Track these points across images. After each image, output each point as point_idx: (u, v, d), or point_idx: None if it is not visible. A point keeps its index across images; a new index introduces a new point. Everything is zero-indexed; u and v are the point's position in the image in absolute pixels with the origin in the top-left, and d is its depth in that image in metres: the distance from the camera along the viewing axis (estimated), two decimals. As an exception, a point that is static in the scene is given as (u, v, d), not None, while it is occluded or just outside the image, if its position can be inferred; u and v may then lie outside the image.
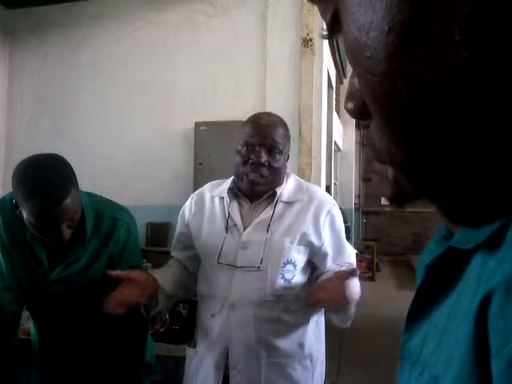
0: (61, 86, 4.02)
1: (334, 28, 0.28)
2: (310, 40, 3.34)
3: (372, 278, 7.96)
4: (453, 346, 0.34)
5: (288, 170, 1.52)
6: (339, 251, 1.45)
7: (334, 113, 6.34)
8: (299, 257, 1.41)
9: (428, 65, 0.22)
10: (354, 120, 6.68)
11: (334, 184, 6.98)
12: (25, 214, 1.23)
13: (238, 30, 3.59)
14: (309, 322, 1.45)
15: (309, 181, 2.23)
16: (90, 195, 1.44)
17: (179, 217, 1.59)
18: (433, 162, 0.25)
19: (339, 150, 8.06)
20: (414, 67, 0.23)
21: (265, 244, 1.39)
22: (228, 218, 1.44)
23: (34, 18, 4.11)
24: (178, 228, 1.58)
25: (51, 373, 1.53)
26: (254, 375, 1.39)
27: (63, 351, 1.49)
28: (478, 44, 0.21)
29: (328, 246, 1.43)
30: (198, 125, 3.56)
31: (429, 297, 0.42)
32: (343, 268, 1.38)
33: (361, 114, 0.29)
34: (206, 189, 1.56)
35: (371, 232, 11.48)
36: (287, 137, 1.45)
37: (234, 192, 1.47)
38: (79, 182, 1.31)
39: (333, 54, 5.41)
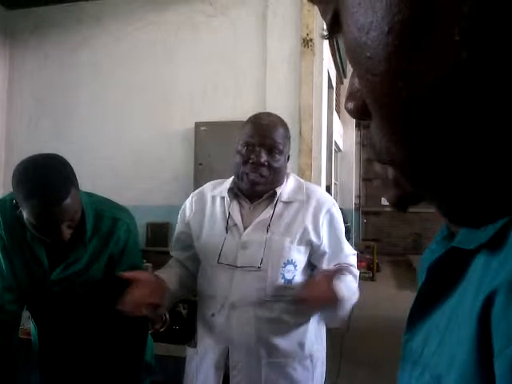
0: (61, 86, 4.02)
1: (334, 28, 0.28)
2: (310, 40, 3.34)
3: (372, 278, 7.96)
4: (455, 346, 0.34)
5: (288, 170, 1.52)
6: (337, 251, 1.45)
7: (335, 113, 6.34)
8: (300, 257, 1.41)
9: (428, 65, 0.22)
10: (355, 120, 6.69)
11: (335, 184, 6.98)
12: (25, 214, 1.23)
13: (238, 30, 3.59)
14: (309, 321, 1.45)
15: (309, 181, 2.22)
16: (90, 195, 1.44)
17: (179, 216, 1.59)
18: (433, 161, 0.25)
19: (339, 150, 8.06)
20: (414, 67, 0.23)
21: (265, 244, 1.39)
22: (228, 218, 1.44)
23: (34, 19, 4.11)
24: (178, 227, 1.58)
25: (51, 373, 1.53)
26: (255, 375, 1.39)
27: (63, 351, 1.49)
28: (477, 44, 0.21)
29: (326, 246, 1.43)
30: (198, 125, 3.56)
31: (430, 297, 0.42)
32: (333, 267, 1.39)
33: (361, 114, 0.29)
34: (207, 188, 1.56)
35: (371, 232, 11.48)
36: (287, 137, 1.45)
37: (235, 192, 1.47)
38: (79, 182, 1.31)
39: (333, 54, 5.41)
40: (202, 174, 3.40)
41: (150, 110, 3.79)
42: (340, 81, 7.25)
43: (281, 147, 1.40)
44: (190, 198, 1.58)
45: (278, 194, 1.44)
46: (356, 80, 0.28)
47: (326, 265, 1.43)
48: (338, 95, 7.08)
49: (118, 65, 3.88)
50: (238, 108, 3.48)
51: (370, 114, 0.28)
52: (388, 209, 10.27)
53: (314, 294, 1.30)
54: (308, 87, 3.38)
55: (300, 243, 1.41)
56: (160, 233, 3.69)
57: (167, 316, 2.38)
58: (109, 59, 3.90)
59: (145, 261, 2.05)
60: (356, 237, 9.49)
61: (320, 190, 1.53)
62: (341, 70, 6.66)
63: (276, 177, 1.42)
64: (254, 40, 3.53)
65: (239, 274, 1.40)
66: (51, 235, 1.28)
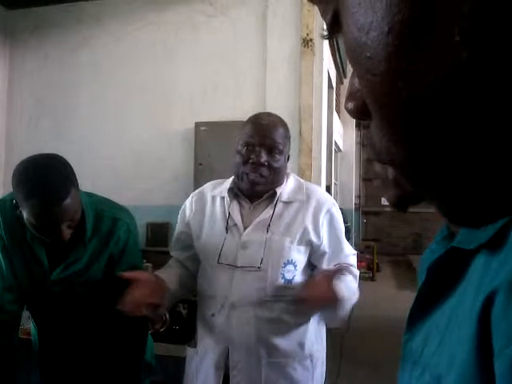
0: (61, 86, 4.02)
1: (335, 28, 0.28)
2: (310, 40, 3.34)
3: (372, 278, 7.96)
4: (455, 346, 0.34)
5: (288, 170, 1.52)
6: (337, 251, 1.45)
7: (335, 113, 6.34)
8: (300, 257, 1.41)
9: (428, 65, 0.22)
10: (355, 120, 6.69)
11: (335, 184, 6.98)
12: (25, 214, 1.23)
13: (238, 30, 3.59)
14: (309, 321, 1.45)
15: (309, 181, 2.22)
16: (90, 195, 1.44)
17: (179, 216, 1.59)
18: (433, 161, 0.25)
19: (339, 150, 8.06)
20: (414, 67, 0.23)
21: (265, 244, 1.39)
22: (228, 218, 1.44)
23: (34, 19, 4.11)
24: (178, 227, 1.58)
25: (51, 373, 1.53)
26: (255, 375, 1.39)
27: (63, 351, 1.49)
28: (477, 44, 0.21)
29: (326, 246, 1.43)
30: (198, 125, 3.56)
31: (430, 297, 0.42)
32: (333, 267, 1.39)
33: (361, 114, 0.29)
34: (207, 188, 1.56)
35: (371, 232, 11.48)
36: (287, 137, 1.45)
37: (235, 192, 1.47)
38: (79, 182, 1.31)
39: (333, 54, 5.41)
40: (202, 174, 3.40)
41: (150, 110, 3.79)
42: (340, 81, 7.25)
43: (281, 147, 1.40)
44: (189, 197, 1.58)
45: (277, 193, 1.44)
46: (356, 80, 0.28)
47: (325, 265, 1.43)
48: (338, 95, 7.08)
49: (117, 65, 3.88)
50: (238, 108, 3.48)
51: (370, 114, 0.28)
52: (388, 209, 10.27)
53: (313, 294, 1.30)
54: (308, 87, 3.38)
55: (300, 243, 1.41)
56: (160, 233, 3.69)
57: (167, 316, 2.38)
58: (109, 59, 3.90)
59: (145, 261, 2.05)
60: (356, 237, 9.49)
61: (320, 190, 1.53)
62: (341, 69, 6.66)
63: (276, 177, 1.42)
64: (254, 40, 3.53)
65: (239, 273, 1.40)
66: (51, 235, 1.28)
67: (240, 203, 1.47)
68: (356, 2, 0.24)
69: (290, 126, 1.50)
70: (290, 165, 1.53)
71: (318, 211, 1.43)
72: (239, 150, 1.41)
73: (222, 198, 1.49)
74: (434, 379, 0.37)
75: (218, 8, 3.64)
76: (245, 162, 1.39)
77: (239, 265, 1.40)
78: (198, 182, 3.21)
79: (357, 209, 10.40)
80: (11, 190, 1.26)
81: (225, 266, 1.41)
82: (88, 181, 1.92)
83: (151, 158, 3.75)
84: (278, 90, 3.43)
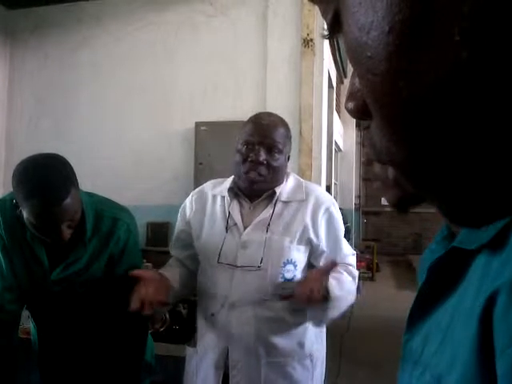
0: (61, 86, 4.02)
1: (335, 28, 0.28)
2: (311, 40, 3.34)
3: (372, 278, 7.96)
4: (456, 345, 0.34)
5: (288, 170, 1.52)
6: (336, 250, 1.45)
7: (335, 113, 6.34)
8: (300, 256, 1.41)
9: (428, 65, 0.22)
10: (355, 120, 6.69)
11: (335, 184, 6.98)
12: (25, 214, 1.23)
13: (238, 29, 3.59)
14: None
15: (309, 181, 2.23)
16: (90, 195, 1.44)
17: (179, 214, 1.59)
18: (433, 161, 0.25)
19: (340, 150, 8.06)
20: (414, 67, 0.23)
21: (264, 244, 1.39)
22: (228, 218, 1.44)
23: (35, 19, 4.11)
24: (178, 225, 1.58)
25: (51, 373, 1.53)
26: (254, 375, 1.39)
27: (63, 351, 1.49)
28: (478, 44, 0.21)
29: (324, 245, 1.43)
30: (198, 125, 3.57)
31: (431, 297, 0.42)
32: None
33: (361, 114, 0.29)
34: (207, 187, 1.56)
35: (371, 232, 11.48)
36: (288, 137, 1.45)
37: (235, 191, 1.47)
38: (79, 181, 1.31)
39: (333, 53, 5.41)
40: (202, 174, 3.40)
41: (150, 110, 3.79)
42: (340, 80, 7.25)
43: (280, 146, 1.40)
44: (190, 196, 1.58)
45: (277, 193, 1.44)
46: (356, 80, 0.28)
47: (324, 264, 1.43)
48: (338, 95, 7.07)
49: (118, 65, 3.88)
50: (238, 108, 3.48)
51: (370, 114, 0.28)
52: (388, 209, 10.26)
53: (302, 291, 1.28)
54: (308, 87, 3.38)
55: (300, 242, 1.41)
56: (160, 232, 3.69)
57: (167, 316, 2.38)
58: (109, 59, 3.90)
59: (145, 260, 2.05)
60: (356, 237, 9.48)
61: (319, 190, 1.53)
62: (341, 69, 6.65)
63: (275, 176, 1.42)
64: (255, 40, 3.53)
65: (239, 273, 1.40)
66: (51, 235, 1.28)
67: (240, 203, 1.47)
68: (356, 1, 0.24)
69: (290, 125, 1.50)
70: (290, 165, 1.53)
71: (317, 210, 1.43)
72: (239, 149, 1.41)
73: (223, 197, 1.49)
74: (435, 379, 0.37)
75: (218, 8, 3.64)
76: (244, 161, 1.39)
77: (239, 264, 1.40)
78: (198, 182, 3.21)
79: (357, 209, 10.40)
80: (11, 189, 1.26)
81: (225, 266, 1.41)
82: (88, 180, 1.92)
83: (151, 157, 3.75)
84: (278, 90, 3.43)
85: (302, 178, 1.59)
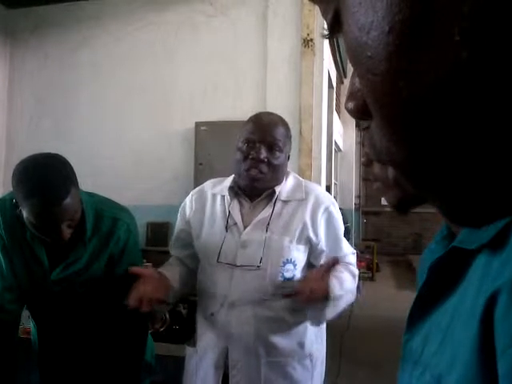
0: (61, 86, 4.02)
1: (335, 28, 0.28)
2: (311, 40, 3.34)
3: (372, 278, 7.96)
4: (457, 345, 0.34)
5: (288, 169, 1.52)
6: (336, 250, 1.45)
7: (335, 113, 6.34)
8: (299, 255, 1.41)
9: (428, 65, 0.22)
10: (355, 120, 6.68)
11: (335, 184, 6.98)
12: (25, 214, 1.23)
13: (238, 29, 3.59)
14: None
15: (309, 181, 2.23)
16: (90, 195, 1.44)
17: (179, 214, 1.59)
18: (433, 161, 0.25)
19: (339, 150, 8.06)
20: (414, 67, 0.23)
21: (264, 243, 1.39)
22: (228, 217, 1.44)
23: (35, 18, 4.11)
24: (178, 225, 1.58)
25: (51, 373, 1.53)
26: (254, 374, 1.40)
27: (63, 351, 1.49)
28: (478, 44, 0.21)
29: (324, 244, 1.43)
30: (198, 125, 3.56)
31: (431, 297, 0.42)
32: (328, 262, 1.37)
33: (361, 114, 0.29)
34: (207, 186, 1.56)
35: (371, 232, 11.48)
36: (288, 136, 1.45)
37: (235, 191, 1.47)
38: (79, 181, 1.31)
39: (333, 53, 5.41)
40: (202, 174, 3.40)
41: (150, 110, 3.79)
42: (340, 80, 7.25)
43: (281, 145, 1.40)
44: (189, 196, 1.58)
45: (276, 192, 1.44)
46: (357, 80, 0.28)
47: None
48: (338, 95, 7.07)
49: (118, 65, 3.87)
50: (238, 108, 3.48)
51: (370, 114, 0.28)
52: (388, 209, 10.25)
53: (305, 289, 1.28)
54: (308, 87, 3.38)
55: (299, 242, 1.41)
56: (160, 232, 3.69)
57: (167, 316, 2.38)
58: (109, 59, 3.90)
59: (145, 260, 2.05)
60: (356, 237, 9.48)
61: (319, 189, 1.53)
62: (341, 69, 6.65)
63: (275, 174, 1.42)
64: (255, 40, 3.53)
65: (239, 273, 1.40)
66: (51, 235, 1.28)
67: (240, 202, 1.47)
68: (357, 1, 0.24)
69: (290, 125, 1.50)
70: (290, 165, 1.53)
71: (316, 209, 1.43)
72: (240, 147, 1.41)
73: (223, 196, 1.49)
74: (435, 379, 0.37)
75: (218, 8, 3.64)
76: (245, 158, 1.39)
77: (239, 264, 1.40)
78: (198, 182, 3.20)
79: (357, 209, 10.39)
80: (11, 189, 1.26)
81: (224, 265, 1.41)
82: (88, 180, 1.92)
83: (151, 157, 3.75)
84: (278, 90, 3.43)
85: (302, 177, 1.59)
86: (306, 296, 1.27)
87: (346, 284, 1.37)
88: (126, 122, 3.83)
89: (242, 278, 1.39)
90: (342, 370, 3.30)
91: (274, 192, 1.44)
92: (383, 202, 10.18)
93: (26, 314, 1.61)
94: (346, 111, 0.31)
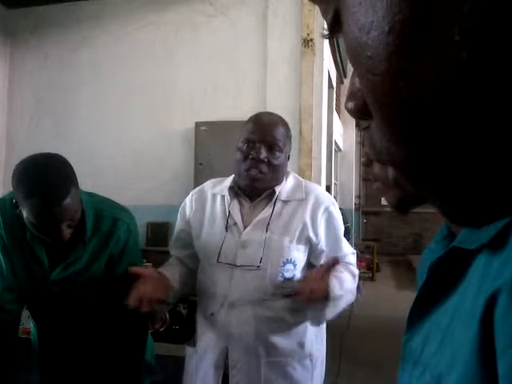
0: (61, 86, 4.02)
1: (335, 28, 0.28)
2: (311, 40, 3.34)
3: (372, 278, 7.96)
4: (457, 345, 0.34)
5: (288, 169, 1.52)
6: (336, 250, 1.45)
7: (335, 113, 6.34)
8: (299, 256, 1.41)
9: (428, 65, 0.22)
10: (355, 120, 6.68)
11: (335, 184, 6.98)
12: (25, 214, 1.23)
13: (238, 29, 3.59)
14: (309, 321, 1.45)
15: (309, 181, 2.23)
16: (90, 195, 1.44)
17: (179, 214, 1.59)
18: (433, 161, 0.25)
19: (339, 149, 8.06)
20: (414, 67, 0.23)
21: (264, 243, 1.39)
22: (228, 217, 1.44)
23: (35, 18, 4.11)
24: (178, 225, 1.58)
25: (51, 373, 1.53)
26: (254, 374, 1.39)
27: (63, 351, 1.49)
28: (478, 44, 0.21)
29: (324, 244, 1.43)
30: (198, 125, 3.56)
31: (431, 297, 0.42)
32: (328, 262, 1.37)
33: (361, 114, 0.29)
34: (207, 186, 1.56)
35: (371, 232, 11.48)
36: (288, 136, 1.45)
37: (235, 190, 1.47)
38: (79, 181, 1.31)
39: (333, 53, 5.41)
40: (202, 174, 3.40)
41: (150, 110, 3.79)
42: (340, 80, 7.25)
43: (281, 144, 1.40)
44: (189, 196, 1.58)
45: (276, 192, 1.44)
46: (357, 80, 0.28)
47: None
48: (338, 95, 7.08)
49: (118, 65, 3.87)
50: (238, 108, 3.48)
51: (370, 114, 0.28)
52: (388, 209, 10.25)
53: (305, 289, 1.28)
54: (308, 87, 3.37)
55: (299, 242, 1.41)
56: (160, 232, 3.69)
57: (167, 316, 2.38)
58: (109, 59, 3.90)
59: (145, 260, 2.05)
60: (356, 237, 9.48)
61: (319, 189, 1.53)
62: (341, 69, 6.66)
63: (275, 174, 1.42)
64: (255, 40, 3.53)
65: (239, 273, 1.40)
66: (51, 235, 1.28)
67: (240, 202, 1.47)
68: (357, 1, 0.24)
69: (290, 125, 1.50)
70: (290, 165, 1.53)
71: (316, 209, 1.43)
72: (240, 147, 1.41)
73: (222, 196, 1.49)
74: (435, 379, 0.37)
75: (218, 8, 3.64)
76: (245, 158, 1.39)
77: (239, 264, 1.40)
78: (198, 182, 3.20)
79: (357, 209, 10.39)
80: (11, 189, 1.26)
81: (224, 265, 1.41)
82: (88, 180, 1.92)
83: (151, 157, 3.75)
84: (278, 90, 3.43)
85: (302, 177, 1.59)
86: (306, 296, 1.27)
87: (346, 284, 1.37)
88: (126, 121, 3.83)
89: (242, 277, 1.39)
90: (341, 370, 3.30)
91: (274, 192, 1.44)
92: (383, 201, 10.18)
93: (25, 313, 1.61)
94: (346, 111, 0.31)
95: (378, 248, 8.62)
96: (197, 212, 1.52)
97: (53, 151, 1.33)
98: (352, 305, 1.49)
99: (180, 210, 1.59)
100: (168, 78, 3.76)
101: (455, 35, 0.21)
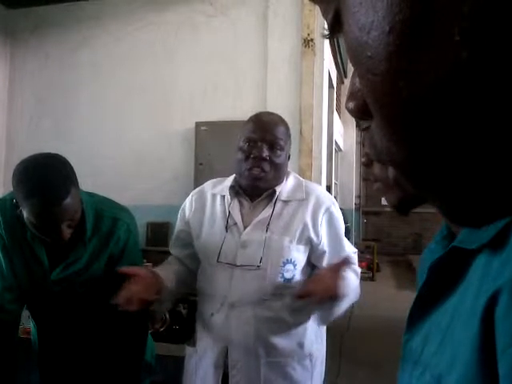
0: (61, 86, 4.02)
1: (336, 28, 0.28)
2: (311, 40, 3.34)
3: (372, 278, 7.96)
4: (457, 345, 0.34)
5: (288, 169, 1.52)
6: (338, 250, 1.45)
7: (335, 113, 6.34)
8: (299, 256, 1.41)
9: (428, 65, 0.22)
10: (355, 120, 6.67)
11: (335, 184, 6.98)
12: (25, 214, 1.23)
13: (238, 29, 3.59)
14: (309, 321, 1.45)
15: (309, 181, 2.23)
16: (90, 195, 1.44)
17: (179, 214, 1.59)
18: (433, 161, 0.25)
19: (340, 149, 8.07)
20: (414, 67, 0.23)
21: (264, 243, 1.39)
22: (228, 217, 1.44)
23: (35, 18, 4.11)
24: (178, 225, 1.58)
25: (51, 373, 1.53)
26: (254, 374, 1.39)
27: (63, 351, 1.49)
28: (478, 44, 0.21)
29: (325, 245, 1.43)
30: (198, 125, 3.57)
31: (431, 297, 0.42)
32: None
33: (362, 114, 0.29)
34: (207, 187, 1.56)
35: (371, 232, 11.48)
36: (288, 135, 1.46)
37: (236, 190, 1.47)
38: (79, 181, 1.31)
39: (334, 53, 5.41)
40: (202, 174, 3.40)
41: (150, 110, 3.79)
42: (341, 80, 7.25)
43: (282, 143, 1.40)
44: (190, 196, 1.58)
45: (277, 192, 1.44)
46: (357, 80, 0.28)
47: (326, 264, 1.43)
48: (338, 95, 7.08)
49: (118, 65, 3.88)
50: (238, 108, 3.48)
51: (370, 114, 0.28)
52: (388, 209, 10.25)
53: (317, 288, 1.26)
54: (309, 87, 3.37)
55: (299, 242, 1.41)
56: (160, 232, 3.69)
57: (167, 316, 2.39)
58: (109, 59, 3.90)
59: (145, 260, 2.05)
60: (356, 237, 9.48)
61: (319, 189, 1.53)
62: (341, 69, 6.66)
63: (277, 173, 1.42)
64: (255, 40, 3.53)
65: (238, 273, 1.40)
66: (51, 235, 1.28)
67: (240, 202, 1.47)
68: (357, 1, 0.24)
69: (290, 126, 1.50)
70: (290, 165, 1.53)
71: (317, 209, 1.43)
72: (241, 147, 1.41)
73: (223, 196, 1.49)
74: (435, 379, 0.37)
75: (218, 8, 3.64)
76: (246, 158, 1.39)
77: (238, 264, 1.40)
78: (198, 182, 3.21)
79: (357, 209, 10.40)
80: (11, 189, 1.26)
81: (224, 265, 1.41)
82: (88, 180, 1.92)
83: (151, 157, 3.75)
84: (278, 90, 3.43)
85: (303, 177, 1.59)
86: (319, 296, 1.26)
87: (351, 283, 1.37)
88: (126, 121, 3.84)
89: (242, 278, 1.39)
90: (341, 370, 3.30)
91: (275, 192, 1.44)
92: (383, 201, 10.17)
93: (25, 313, 1.61)
94: (346, 111, 0.31)
95: (378, 248, 8.62)
96: (197, 212, 1.52)
97: (53, 151, 1.33)
98: (352, 305, 1.49)
99: (180, 210, 1.59)
100: (168, 77, 3.76)
101: (455, 35, 0.21)
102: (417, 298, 0.44)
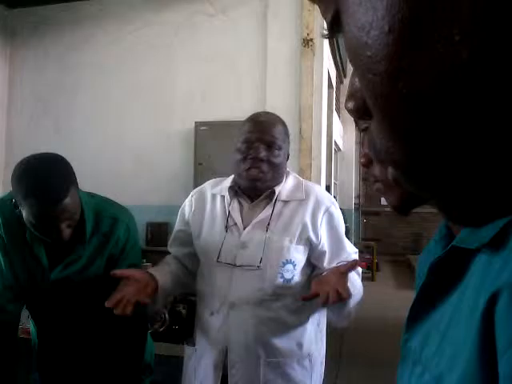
0: (61, 86, 4.02)
1: (335, 28, 0.28)
2: (311, 40, 3.34)
3: (372, 278, 7.96)
4: (457, 345, 0.34)
5: (288, 169, 1.52)
6: (338, 250, 1.45)
7: (335, 113, 6.34)
8: (299, 256, 1.41)
9: (428, 64, 0.22)
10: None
11: (334, 184, 6.98)
12: (24, 214, 1.23)
13: (238, 29, 3.59)
14: (308, 321, 1.45)
15: (309, 181, 2.22)
16: (90, 195, 1.44)
17: (179, 214, 1.59)
18: (432, 161, 0.25)
19: (339, 149, 8.06)
20: (414, 67, 0.23)
21: (264, 243, 1.39)
22: (228, 217, 1.44)
23: (35, 18, 4.11)
24: (177, 225, 1.58)
25: (51, 373, 1.52)
26: (253, 374, 1.39)
27: (63, 351, 1.48)
28: (477, 44, 0.21)
29: (325, 245, 1.43)
30: (197, 125, 3.56)
31: (430, 297, 0.42)
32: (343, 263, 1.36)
33: (361, 114, 0.29)
34: (207, 187, 1.56)
35: (371, 232, 11.47)
36: (286, 135, 1.45)
37: (235, 190, 1.47)
38: (79, 181, 1.31)
39: (333, 53, 5.41)
40: (201, 174, 3.40)
41: (150, 109, 3.79)
42: (340, 80, 7.25)
43: (279, 143, 1.40)
44: (189, 196, 1.58)
45: (276, 192, 1.43)
46: (356, 79, 0.28)
47: (327, 264, 1.42)
48: (338, 95, 7.08)
49: (117, 65, 3.87)
50: (238, 108, 3.47)
51: (370, 114, 0.28)
52: (388, 209, 10.25)
53: (327, 289, 1.23)
54: (308, 87, 3.37)
55: (299, 242, 1.41)
56: (160, 233, 3.69)
57: (167, 316, 2.38)
58: (109, 59, 3.89)
59: (144, 260, 2.05)
60: (356, 237, 9.48)
61: (319, 189, 1.53)
62: (341, 69, 6.66)
63: (275, 173, 1.42)
64: (254, 40, 3.53)
65: (238, 273, 1.40)
66: (51, 234, 1.28)
67: (240, 202, 1.47)
68: (357, 1, 0.24)
69: (289, 125, 1.50)
70: (289, 165, 1.53)
71: (317, 210, 1.42)
72: (239, 148, 1.41)
73: (222, 196, 1.49)
74: (435, 379, 0.37)
75: (218, 8, 3.64)
76: (244, 159, 1.39)
77: (238, 264, 1.40)
78: (197, 182, 3.21)
79: (357, 209, 10.39)
80: (11, 189, 1.26)
81: (224, 265, 1.41)
82: (88, 180, 1.92)
83: (151, 157, 3.75)
84: (277, 90, 3.43)
85: (302, 177, 1.59)
86: (334, 297, 1.22)
87: (355, 283, 1.37)
88: (126, 121, 3.83)
89: (242, 278, 1.39)
90: (341, 370, 3.30)
91: (274, 192, 1.44)
92: (383, 201, 10.17)
93: (26, 313, 1.61)
94: (346, 111, 0.31)
95: (377, 248, 8.62)
96: (196, 212, 1.52)
97: (52, 151, 1.33)
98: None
99: (180, 210, 1.59)
100: (168, 78, 3.76)
101: (455, 35, 0.21)
102: (416, 298, 0.44)
